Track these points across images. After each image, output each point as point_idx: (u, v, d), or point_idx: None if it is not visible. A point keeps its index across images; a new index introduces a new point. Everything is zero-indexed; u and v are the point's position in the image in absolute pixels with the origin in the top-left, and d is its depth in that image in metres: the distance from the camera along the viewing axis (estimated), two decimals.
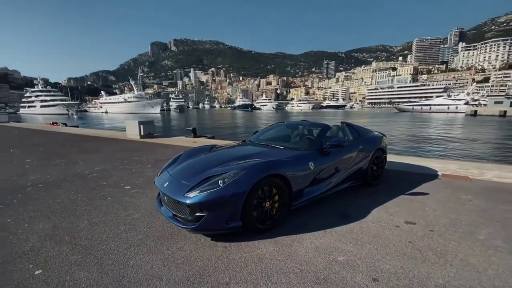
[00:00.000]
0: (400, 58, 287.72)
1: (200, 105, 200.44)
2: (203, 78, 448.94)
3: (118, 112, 79.58)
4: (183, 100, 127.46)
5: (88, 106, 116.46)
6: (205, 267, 2.13)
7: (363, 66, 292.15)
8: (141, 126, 10.93)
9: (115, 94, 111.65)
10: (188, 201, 2.44)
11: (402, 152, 12.06)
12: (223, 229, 2.48)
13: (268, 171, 2.64)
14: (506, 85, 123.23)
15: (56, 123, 20.16)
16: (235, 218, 2.48)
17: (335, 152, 3.49)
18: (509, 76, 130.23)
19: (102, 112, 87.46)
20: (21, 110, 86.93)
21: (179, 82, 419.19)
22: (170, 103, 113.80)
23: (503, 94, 68.75)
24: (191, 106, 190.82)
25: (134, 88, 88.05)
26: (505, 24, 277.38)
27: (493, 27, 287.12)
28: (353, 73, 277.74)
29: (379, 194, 3.83)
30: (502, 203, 3.45)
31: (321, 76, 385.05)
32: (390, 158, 6.46)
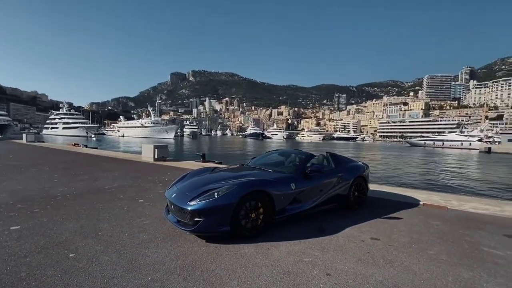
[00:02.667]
0: (411, 94, 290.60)
1: (213, 132, 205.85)
2: (217, 107, 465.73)
3: (134, 136, 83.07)
4: (196, 127, 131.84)
5: (107, 129, 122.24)
6: (198, 259, 2.73)
7: (374, 100, 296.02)
8: (156, 149, 11.90)
9: (133, 119, 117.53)
10: (189, 208, 3.12)
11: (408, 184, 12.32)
12: (215, 232, 3.11)
13: (254, 187, 3.31)
14: None
15: (77, 144, 21.69)
16: (225, 224, 3.11)
17: (317, 176, 4.12)
18: None
19: (119, 136, 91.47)
20: (44, 131, 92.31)
21: (194, 110, 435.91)
22: (184, 129, 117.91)
23: None
24: (204, 133, 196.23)
25: (152, 114, 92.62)
26: None
27: (503, 67, 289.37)
28: (364, 106, 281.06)
29: (357, 216, 4.34)
30: (464, 229, 3.89)
31: (332, 108, 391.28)
32: (381, 188, 6.94)
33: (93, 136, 76.03)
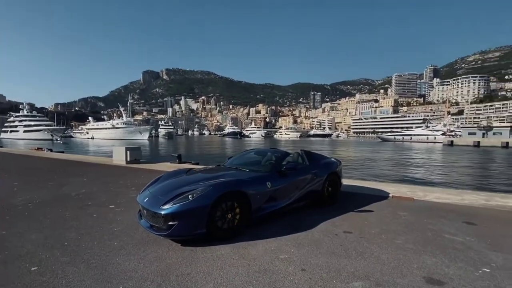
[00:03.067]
0: (382, 91, 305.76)
1: (190, 132, 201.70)
2: (194, 106, 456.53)
3: (105, 138, 78.95)
4: (172, 127, 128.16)
5: (74, 131, 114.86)
6: (172, 263, 2.67)
7: (347, 97, 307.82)
8: (128, 152, 11.40)
9: (103, 120, 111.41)
10: (163, 212, 3.03)
11: (380, 178, 12.95)
12: (190, 235, 3.05)
13: (229, 187, 3.29)
14: (478, 117, 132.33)
15: (41, 148, 20.17)
16: (201, 226, 3.06)
17: (292, 174, 4.20)
18: (481, 109, 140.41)
19: (88, 138, 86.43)
20: (2, 135, 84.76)
21: (169, 110, 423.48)
22: (159, 129, 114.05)
23: (476, 125, 73.81)
24: (180, 133, 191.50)
25: (123, 114, 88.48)
26: (473, 62, 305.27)
27: (463, 65, 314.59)
28: (338, 104, 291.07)
29: (331, 211, 4.49)
30: (428, 218, 4.18)
31: (308, 106, 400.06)
32: (355, 182, 7.24)
33: (59, 139, 71.09)
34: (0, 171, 9.08)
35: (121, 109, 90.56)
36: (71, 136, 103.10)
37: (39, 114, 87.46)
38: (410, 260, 2.77)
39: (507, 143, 47.59)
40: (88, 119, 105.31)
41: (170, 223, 3.01)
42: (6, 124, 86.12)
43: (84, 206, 4.73)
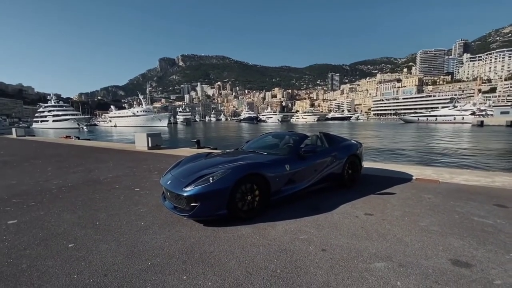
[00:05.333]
0: (405, 70, 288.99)
1: (207, 118, 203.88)
2: (210, 92, 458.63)
3: (127, 126, 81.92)
4: (189, 114, 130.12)
5: (98, 120, 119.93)
6: (196, 242, 2.79)
7: (368, 78, 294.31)
8: (149, 138, 11.79)
9: (124, 108, 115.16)
10: (185, 194, 3.13)
11: (401, 160, 12.53)
12: (212, 216, 3.15)
13: (249, 170, 3.33)
14: None
15: (69, 136, 21.34)
16: (222, 207, 3.14)
17: (311, 157, 4.15)
18: None
19: (111, 126, 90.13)
20: (34, 125, 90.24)
21: (186, 96, 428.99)
22: (177, 116, 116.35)
23: (510, 104, 68.39)
24: (197, 119, 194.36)
25: (143, 102, 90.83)
26: (510, 34, 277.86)
27: (497, 38, 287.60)
28: (358, 85, 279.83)
29: (351, 193, 4.43)
30: (454, 200, 4.02)
31: (326, 89, 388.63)
32: (375, 165, 7.05)
33: (85, 127, 74.75)
34: (35, 158, 9.75)
35: (141, 97, 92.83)
36: (95, 125, 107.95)
37: (65, 104, 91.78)
38: (435, 242, 2.70)
39: None
40: (110, 107, 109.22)
41: (192, 204, 3.12)
42: (36, 115, 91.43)
43: (112, 189, 5.00)
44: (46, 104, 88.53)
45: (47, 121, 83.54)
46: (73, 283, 2.11)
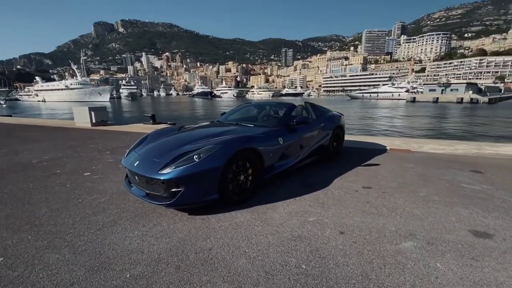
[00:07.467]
0: (352, 48, 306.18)
1: (155, 93, 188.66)
2: (157, 63, 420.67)
3: (59, 101, 70.86)
4: (135, 87, 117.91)
5: (20, 94, 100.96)
6: (185, 238, 2.18)
7: (318, 55, 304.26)
8: (92, 113, 10.00)
9: (54, 80, 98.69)
10: (162, 177, 2.42)
11: (356, 132, 13.17)
12: (200, 202, 2.54)
13: (242, 145, 2.74)
14: (438, 75, 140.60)
15: None
16: (213, 191, 2.55)
17: (301, 129, 3.73)
18: (441, 67, 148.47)
19: (39, 101, 76.91)
20: None
21: (130, 68, 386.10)
22: (121, 90, 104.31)
23: (436, 82, 78.29)
24: (144, 94, 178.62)
25: (77, 73, 78.59)
26: (438, 20, 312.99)
27: (429, 22, 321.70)
28: (310, 61, 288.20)
29: (338, 166, 4.22)
30: (436, 168, 4.10)
31: (280, 64, 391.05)
32: (346, 137, 7.06)
33: (2, 102, 62.23)
34: None
35: (74, 67, 79.94)
36: (17, 99, 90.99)
37: None
38: (445, 213, 2.59)
39: (462, 98, 51.68)
40: (35, 79, 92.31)
41: (173, 189, 2.44)
42: None
43: (52, 175, 3.91)
44: None
45: None
46: None
